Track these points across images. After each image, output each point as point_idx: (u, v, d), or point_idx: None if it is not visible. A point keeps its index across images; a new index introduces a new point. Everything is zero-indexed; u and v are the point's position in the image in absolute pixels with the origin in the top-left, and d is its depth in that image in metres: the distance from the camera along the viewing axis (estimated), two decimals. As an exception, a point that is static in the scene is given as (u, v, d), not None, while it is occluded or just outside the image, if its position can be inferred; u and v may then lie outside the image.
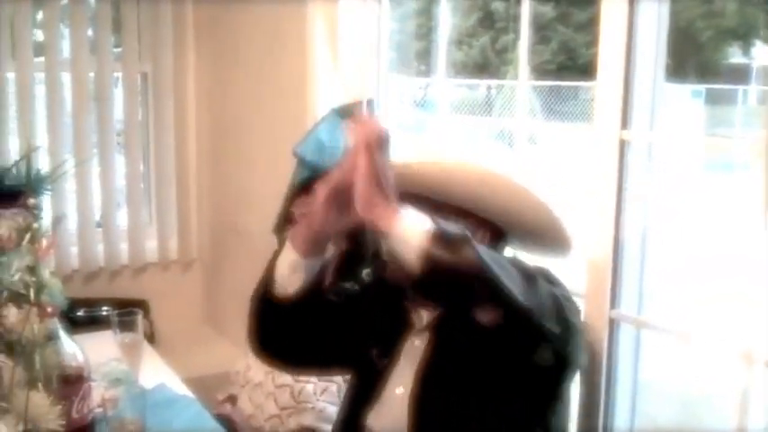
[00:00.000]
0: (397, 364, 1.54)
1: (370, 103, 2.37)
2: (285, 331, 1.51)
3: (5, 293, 1.14)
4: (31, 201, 1.24)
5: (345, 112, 2.39)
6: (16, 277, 1.14)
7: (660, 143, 1.83)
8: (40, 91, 3.15)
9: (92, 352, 1.78)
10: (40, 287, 1.18)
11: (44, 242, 1.21)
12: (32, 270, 1.19)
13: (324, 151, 2.27)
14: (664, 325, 1.86)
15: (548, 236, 1.53)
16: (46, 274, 1.19)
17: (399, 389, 1.52)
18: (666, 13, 1.75)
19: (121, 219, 3.41)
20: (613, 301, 1.85)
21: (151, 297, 3.34)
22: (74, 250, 3.27)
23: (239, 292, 3.30)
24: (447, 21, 2.41)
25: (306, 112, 2.58)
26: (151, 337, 3.22)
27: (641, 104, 1.78)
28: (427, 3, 2.36)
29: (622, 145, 1.78)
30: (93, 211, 3.32)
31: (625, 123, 1.77)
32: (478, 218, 1.48)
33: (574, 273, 2.01)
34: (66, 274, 3.21)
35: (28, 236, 1.19)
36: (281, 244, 2.46)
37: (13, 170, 1.37)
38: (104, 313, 2.28)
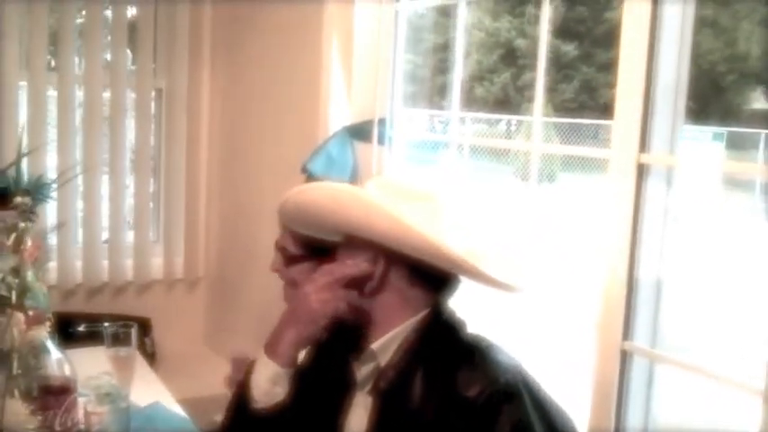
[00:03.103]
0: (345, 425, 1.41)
1: (381, 122, 2.33)
2: None
3: (-13, 296, 1.08)
4: (18, 200, 1.19)
5: (356, 131, 2.36)
6: (-1, 278, 1.09)
7: (679, 174, 1.76)
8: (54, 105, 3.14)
9: (88, 366, 1.74)
10: (23, 290, 1.13)
11: (29, 243, 1.15)
12: (17, 272, 1.14)
13: (332, 166, 2.23)
14: (679, 358, 1.78)
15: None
16: (29, 276, 1.14)
17: None
18: (689, 36, 1.69)
19: (128, 235, 3.36)
20: (626, 333, 1.78)
21: (154, 315, 3.29)
22: (78, 264, 3.22)
23: (244, 312, 3.28)
24: (461, 57, 2.35)
25: (317, 132, 2.55)
26: (153, 356, 3.16)
27: (660, 132, 1.72)
28: (448, 39, 2.33)
29: (640, 170, 1.73)
30: (100, 226, 3.27)
31: (643, 147, 1.72)
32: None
33: (586, 301, 1.94)
34: (70, 288, 3.18)
35: (13, 236, 1.14)
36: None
37: (7, 174, 1.33)
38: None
